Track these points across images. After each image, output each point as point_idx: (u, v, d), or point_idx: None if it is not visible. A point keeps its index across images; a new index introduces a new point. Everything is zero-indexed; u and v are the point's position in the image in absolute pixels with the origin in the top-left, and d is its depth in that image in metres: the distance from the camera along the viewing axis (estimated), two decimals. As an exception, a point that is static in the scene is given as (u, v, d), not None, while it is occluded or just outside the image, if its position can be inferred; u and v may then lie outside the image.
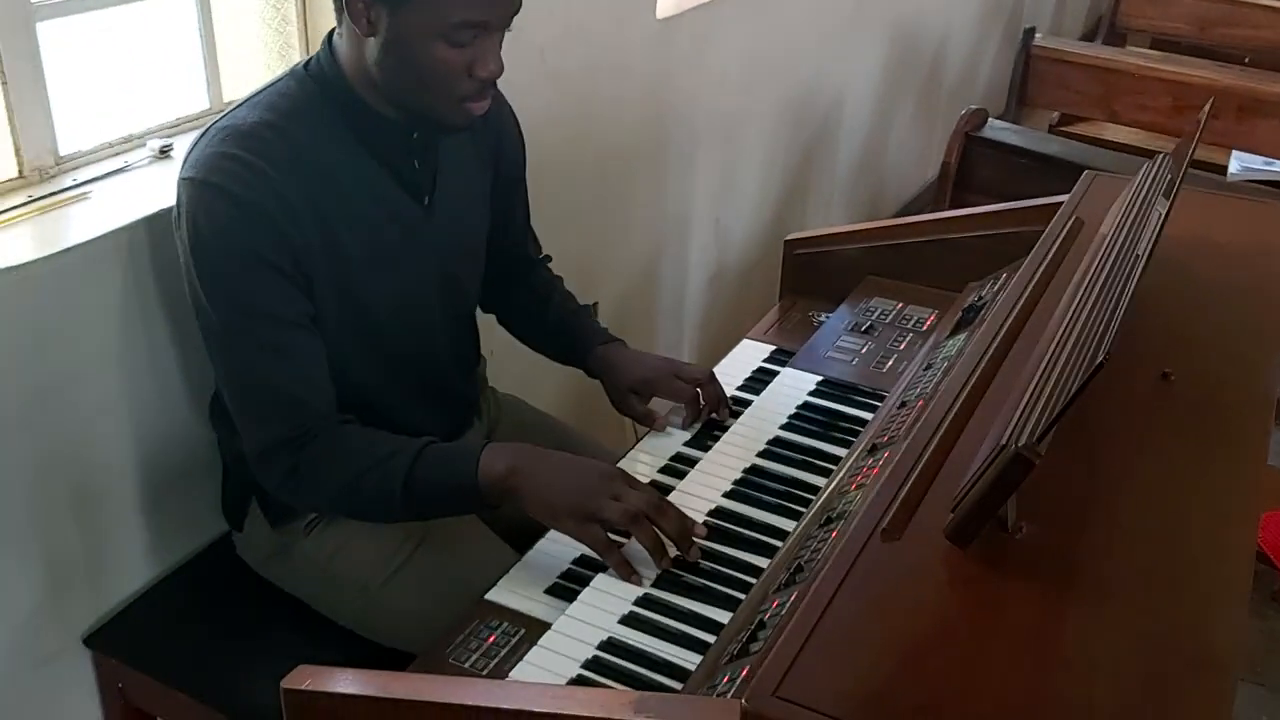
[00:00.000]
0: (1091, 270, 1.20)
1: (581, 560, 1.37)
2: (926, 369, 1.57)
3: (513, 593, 1.34)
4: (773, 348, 1.82)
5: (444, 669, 1.23)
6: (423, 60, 1.35)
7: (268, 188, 1.35)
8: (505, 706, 0.95)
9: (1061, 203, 1.80)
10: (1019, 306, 1.35)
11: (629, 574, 1.30)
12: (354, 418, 1.43)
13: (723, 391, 1.64)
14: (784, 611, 1.12)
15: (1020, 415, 0.99)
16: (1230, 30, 3.63)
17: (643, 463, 1.55)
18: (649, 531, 1.31)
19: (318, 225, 1.39)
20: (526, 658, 1.20)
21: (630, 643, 1.21)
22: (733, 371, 1.75)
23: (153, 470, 1.63)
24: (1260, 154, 3.09)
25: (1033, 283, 1.41)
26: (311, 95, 1.43)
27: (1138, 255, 1.07)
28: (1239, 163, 3.39)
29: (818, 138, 3.26)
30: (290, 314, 1.39)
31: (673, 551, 1.32)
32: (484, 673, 1.23)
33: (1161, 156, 1.52)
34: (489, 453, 1.37)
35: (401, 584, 1.55)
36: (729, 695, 1.03)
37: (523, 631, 1.28)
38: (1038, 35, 3.23)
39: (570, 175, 2.25)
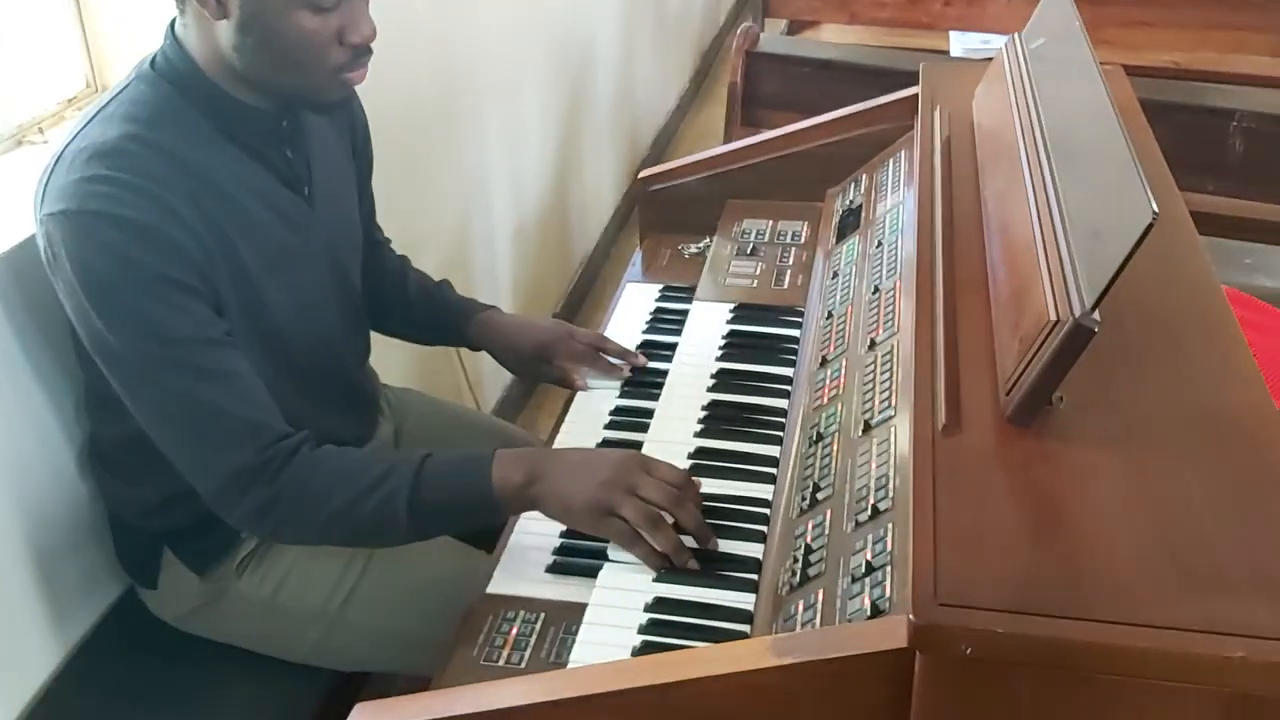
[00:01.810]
0: (1033, 144, 1.25)
1: (568, 533, 1.33)
2: (834, 278, 1.60)
3: (514, 580, 1.28)
4: (659, 287, 1.80)
5: (480, 673, 1.16)
6: (287, 35, 1.23)
7: (154, 204, 1.21)
8: (640, 684, 0.91)
9: (894, 101, 1.87)
10: (939, 197, 1.39)
11: (660, 564, 1.23)
12: (311, 433, 1.32)
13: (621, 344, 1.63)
14: (828, 531, 1.13)
15: (1053, 289, 1.02)
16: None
17: (581, 426, 1.51)
18: (668, 536, 1.23)
19: (213, 236, 1.26)
20: (580, 638, 1.15)
21: (677, 597, 1.19)
22: (633, 316, 1.73)
23: (41, 539, 1.44)
24: (991, 32, 3.32)
25: (937, 175, 1.45)
26: (167, 96, 1.29)
27: (1109, 116, 1.12)
28: (960, 44, 3.61)
29: (579, 80, 3.24)
30: (213, 333, 1.26)
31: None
32: (522, 666, 1.17)
33: (1014, 37, 1.60)
34: (502, 464, 1.28)
35: (362, 602, 1.46)
36: (815, 623, 1.03)
37: (543, 615, 1.22)
38: (768, -52, 3.31)
39: (375, 150, 2.15)
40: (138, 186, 1.21)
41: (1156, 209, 0.91)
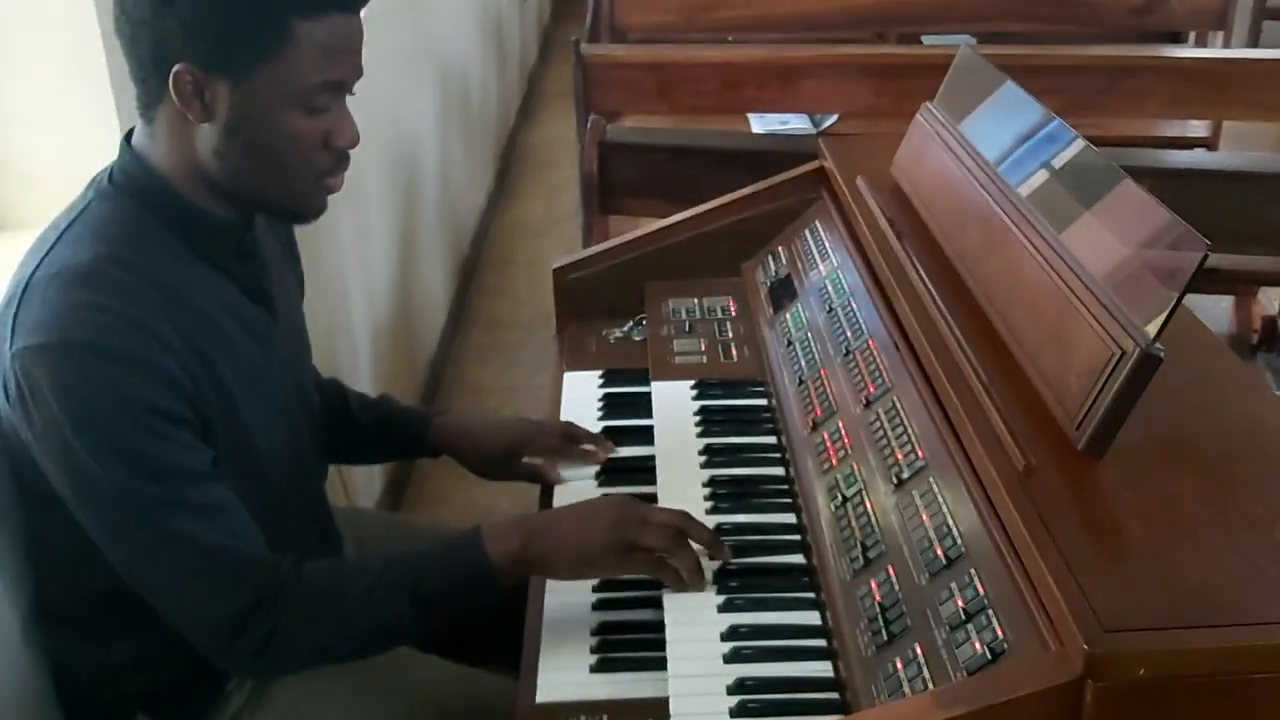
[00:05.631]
0: (1003, 199, 1.34)
1: (599, 629, 1.30)
2: (788, 346, 1.64)
3: (560, 685, 1.23)
4: (598, 373, 1.79)
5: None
6: (277, 136, 1.19)
7: (140, 331, 1.14)
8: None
9: (796, 176, 1.94)
10: (913, 258, 1.45)
11: (694, 582, 1.27)
12: (295, 556, 1.24)
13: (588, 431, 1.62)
14: (898, 586, 1.15)
15: (1102, 327, 1.08)
16: (714, 14, 4.02)
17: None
18: (688, 554, 1.28)
19: (197, 360, 1.20)
20: (674, 732, 1.11)
21: (754, 675, 1.17)
22: (585, 404, 1.71)
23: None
24: (808, 111, 3.51)
25: (891, 238, 1.52)
26: (133, 212, 1.22)
27: (1096, 163, 1.21)
28: (760, 125, 3.79)
29: (409, 181, 3.20)
30: (203, 465, 1.19)
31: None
32: (602, 771, 1.13)
33: (927, 105, 1.70)
34: (491, 538, 1.26)
35: (369, 737, 1.36)
36: (924, 676, 1.04)
37: (605, 717, 1.19)
38: (582, 45, 3.36)
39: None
40: (122, 313, 1.13)
41: (1208, 249, 0.98)
